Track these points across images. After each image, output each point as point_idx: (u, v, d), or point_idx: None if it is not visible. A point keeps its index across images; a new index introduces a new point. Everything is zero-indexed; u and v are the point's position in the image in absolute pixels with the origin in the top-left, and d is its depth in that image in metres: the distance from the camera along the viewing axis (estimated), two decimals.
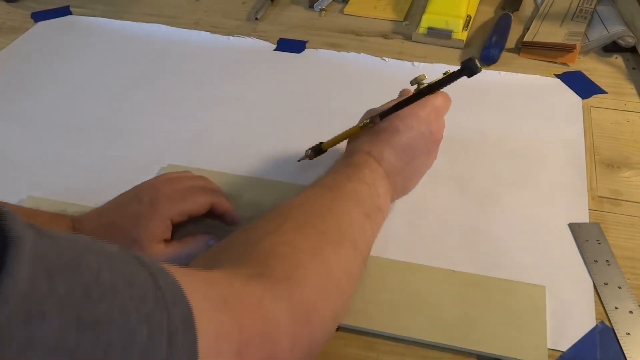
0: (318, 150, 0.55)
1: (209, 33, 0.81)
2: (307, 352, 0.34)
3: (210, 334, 0.27)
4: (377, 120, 0.49)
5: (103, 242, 0.25)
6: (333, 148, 0.55)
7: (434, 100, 0.51)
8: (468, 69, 0.47)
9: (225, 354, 0.28)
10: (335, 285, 0.38)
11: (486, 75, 0.71)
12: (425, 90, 0.50)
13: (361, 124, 0.50)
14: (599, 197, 0.55)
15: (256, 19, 0.83)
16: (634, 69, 0.72)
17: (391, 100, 0.53)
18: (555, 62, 0.73)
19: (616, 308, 0.45)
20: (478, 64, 0.47)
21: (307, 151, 0.55)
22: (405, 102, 0.50)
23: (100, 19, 0.84)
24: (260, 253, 0.37)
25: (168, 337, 0.24)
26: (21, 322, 0.19)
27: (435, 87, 0.50)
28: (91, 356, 0.21)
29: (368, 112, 0.52)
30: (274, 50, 0.77)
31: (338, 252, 0.40)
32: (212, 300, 0.29)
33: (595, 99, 0.67)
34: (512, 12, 0.81)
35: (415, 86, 0.51)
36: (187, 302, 0.26)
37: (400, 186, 0.50)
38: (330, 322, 0.38)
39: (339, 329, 0.45)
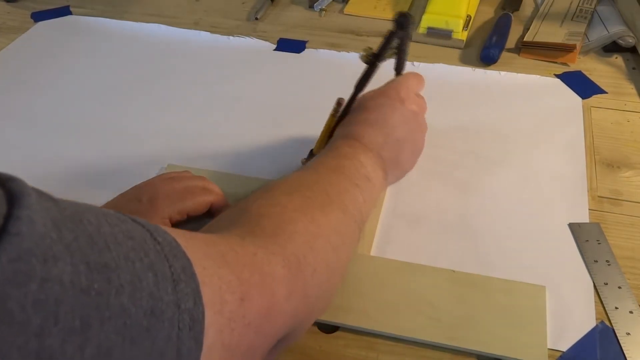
0: (312, 157, 0.55)
1: (209, 33, 0.81)
2: (303, 303, 0.35)
3: (214, 285, 0.28)
4: (342, 101, 0.52)
5: (97, 207, 0.26)
6: None
7: (400, 78, 0.54)
8: (399, 24, 0.49)
9: (230, 301, 0.29)
10: (325, 241, 0.39)
11: (486, 75, 0.71)
12: (372, 59, 0.51)
13: (332, 112, 0.53)
14: (599, 197, 0.55)
15: (256, 19, 0.83)
16: (634, 69, 0.72)
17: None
18: (555, 62, 0.73)
19: (616, 308, 0.45)
20: (410, 18, 0.49)
21: (302, 160, 0.56)
22: (362, 78, 0.52)
23: (100, 19, 0.85)
24: (250, 215, 0.38)
25: (173, 284, 0.25)
26: (39, 260, 0.20)
27: (380, 53, 0.51)
28: (105, 297, 0.22)
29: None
30: (274, 50, 0.77)
31: (326, 213, 0.41)
32: (212, 257, 0.30)
33: (595, 99, 0.67)
34: (512, 12, 0.81)
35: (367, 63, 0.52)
36: (185, 255, 0.27)
37: (390, 158, 0.50)
38: (324, 276, 0.38)
39: (338, 329, 0.45)
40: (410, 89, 0.54)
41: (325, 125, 0.54)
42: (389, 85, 0.53)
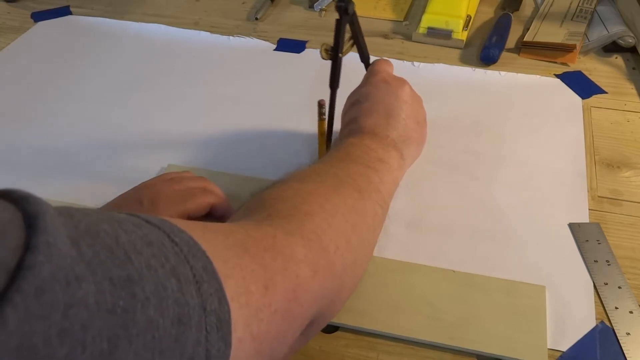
0: None
1: (208, 33, 0.81)
2: (330, 280, 0.35)
3: (237, 277, 0.28)
4: (323, 102, 0.53)
5: (110, 212, 0.26)
6: None
7: (371, 67, 0.56)
8: (341, 9, 0.52)
9: (255, 291, 0.29)
10: (343, 218, 0.39)
11: (486, 75, 0.71)
12: (332, 54, 0.52)
13: (318, 117, 0.54)
14: (599, 197, 0.55)
15: (256, 19, 0.83)
16: (634, 69, 0.72)
17: None
18: (555, 62, 0.73)
19: (616, 308, 0.45)
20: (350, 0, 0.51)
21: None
22: (331, 76, 0.53)
23: (100, 19, 0.85)
24: (265, 201, 0.39)
25: (196, 286, 0.25)
26: (62, 285, 0.20)
27: (335, 45, 0.52)
28: (131, 313, 0.22)
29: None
30: (274, 50, 0.77)
31: (340, 193, 0.41)
32: (231, 247, 0.30)
33: (595, 99, 0.67)
34: (512, 12, 0.81)
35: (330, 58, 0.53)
36: (204, 253, 0.27)
37: (399, 136, 0.51)
38: (348, 253, 0.38)
39: (338, 329, 0.45)
40: (386, 70, 0.55)
41: (318, 132, 0.55)
42: (365, 76, 0.55)
